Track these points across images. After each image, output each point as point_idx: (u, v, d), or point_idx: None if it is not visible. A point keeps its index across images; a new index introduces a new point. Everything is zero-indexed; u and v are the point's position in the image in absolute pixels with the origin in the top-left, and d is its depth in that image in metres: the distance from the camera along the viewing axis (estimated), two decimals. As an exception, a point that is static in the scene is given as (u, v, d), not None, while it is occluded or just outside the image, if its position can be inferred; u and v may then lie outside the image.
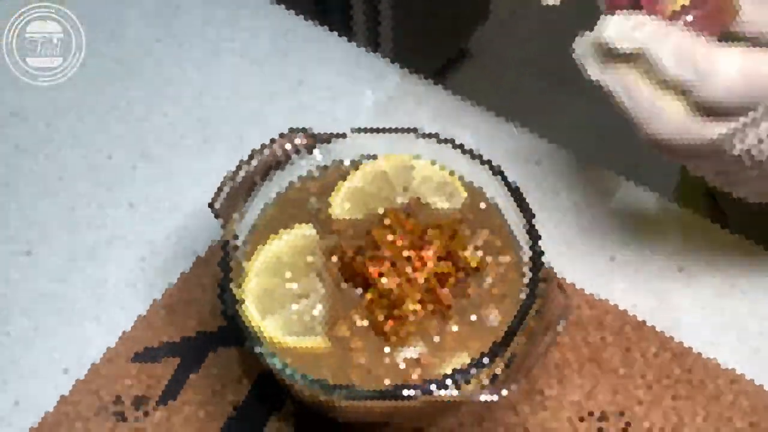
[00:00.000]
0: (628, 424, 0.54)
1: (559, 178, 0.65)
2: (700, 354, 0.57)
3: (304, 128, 0.55)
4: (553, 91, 1.51)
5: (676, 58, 0.44)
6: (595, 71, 0.46)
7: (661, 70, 0.44)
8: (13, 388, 0.57)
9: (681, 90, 0.45)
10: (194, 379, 0.56)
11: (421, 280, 0.49)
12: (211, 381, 0.56)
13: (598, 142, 1.13)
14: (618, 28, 0.45)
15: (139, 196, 0.65)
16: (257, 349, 0.47)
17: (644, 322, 0.58)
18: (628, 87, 0.45)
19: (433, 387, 0.46)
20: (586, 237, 0.62)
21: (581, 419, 0.54)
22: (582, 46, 0.47)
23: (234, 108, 0.69)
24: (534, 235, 0.51)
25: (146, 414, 0.55)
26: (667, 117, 0.45)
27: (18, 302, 0.60)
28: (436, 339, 0.49)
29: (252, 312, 0.49)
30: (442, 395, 0.46)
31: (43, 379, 0.57)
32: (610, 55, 0.46)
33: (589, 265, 0.61)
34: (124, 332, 0.58)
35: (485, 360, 0.46)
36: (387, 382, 0.48)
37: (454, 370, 0.46)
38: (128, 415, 0.55)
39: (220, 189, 0.53)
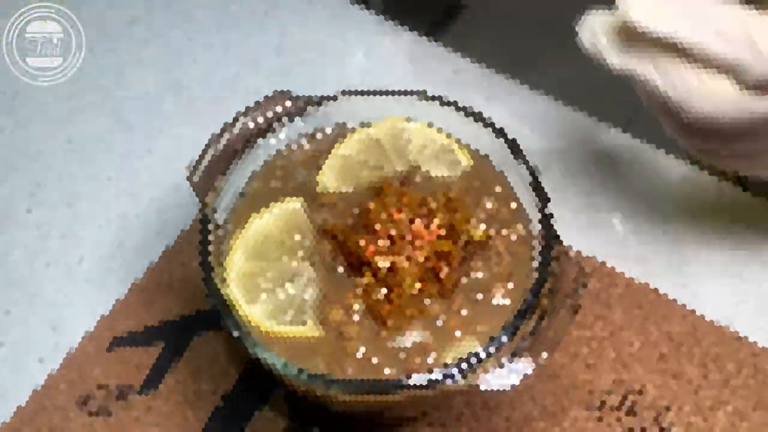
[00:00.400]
0: (643, 399, 0.53)
1: (565, 140, 0.63)
2: (719, 326, 0.56)
3: (289, 92, 0.54)
4: (554, 45, 1.50)
5: (724, 37, 0.40)
6: (617, 59, 0.42)
7: (707, 52, 0.41)
8: (-18, 380, 0.56)
9: (730, 70, 0.41)
10: (178, 365, 0.55)
11: (421, 259, 0.48)
12: (196, 367, 0.55)
13: (601, 98, 1.10)
14: (645, 7, 0.40)
15: (116, 168, 0.63)
16: (243, 339, 0.46)
17: (665, 295, 0.57)
18: (664, 69, 0.41)
19: (440, 376, 0.44)
20: (596, 203, 0.61)
21: (595, 396, 0.53)
22: (593, 29, 0.42)
23: (213, 72, 0.68)
24: (545, 207, 0.49)
25: (127, 404, 0.54)
26: (717, 96, 0.42)
27: (-14, 287, 0.59)
28: (440, 323, 0.47)
29: (237, 298, 0.47)
30: (453, 384, 0.44)
31: (16, 369, 0.55)
32: (635, 38, 0.41)
33: (600, 234, 0.59)
34: (101, 317, 0.57)
35: (494, 344, 0.45)
36: (387, 372, 0.46)
37: (462, 358, 0.44)
38: (108, 405, 0.54)
39: (197, 161, 0.51)
